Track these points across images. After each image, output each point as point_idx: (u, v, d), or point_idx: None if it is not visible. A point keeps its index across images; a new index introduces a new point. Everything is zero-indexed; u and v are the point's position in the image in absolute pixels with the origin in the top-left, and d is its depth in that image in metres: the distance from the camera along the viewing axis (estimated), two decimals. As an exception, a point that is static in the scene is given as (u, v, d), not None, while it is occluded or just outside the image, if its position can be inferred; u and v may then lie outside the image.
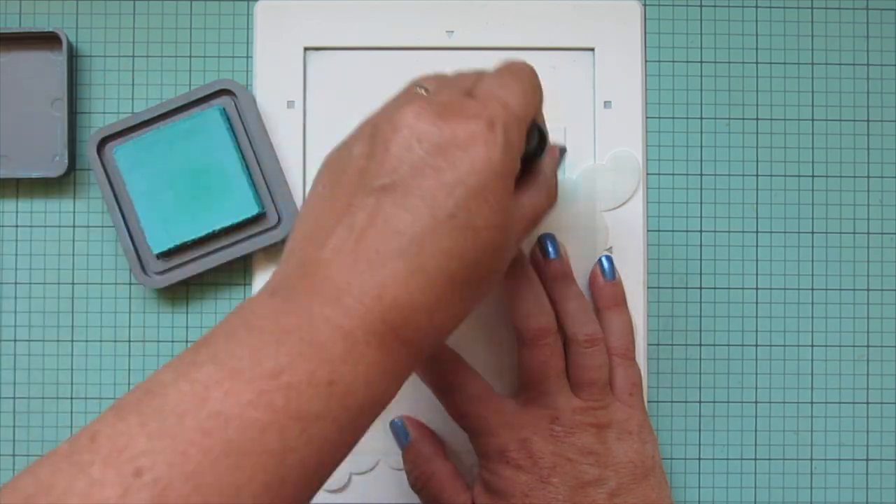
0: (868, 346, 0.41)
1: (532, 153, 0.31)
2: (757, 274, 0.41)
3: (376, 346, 0.25)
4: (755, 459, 0.40)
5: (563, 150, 0.35)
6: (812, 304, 0.41)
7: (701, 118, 0.41)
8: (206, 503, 0.22)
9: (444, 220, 0.26)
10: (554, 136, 0.40)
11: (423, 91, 0.30)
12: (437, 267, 0.26)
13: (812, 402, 0.41)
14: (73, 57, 0.40)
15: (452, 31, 0.40)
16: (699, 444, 0.40)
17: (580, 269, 0.39)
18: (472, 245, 0.27)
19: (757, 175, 0.41)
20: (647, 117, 0.41)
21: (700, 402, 0.41)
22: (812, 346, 0.41)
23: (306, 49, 0.40)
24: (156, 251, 0.39)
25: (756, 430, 0.41)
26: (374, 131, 0.28)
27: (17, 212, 0.41)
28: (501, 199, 0.27)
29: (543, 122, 0.32)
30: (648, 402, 0.39)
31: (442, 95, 0.29)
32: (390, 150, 0.27)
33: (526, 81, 0.30)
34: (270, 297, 0.26)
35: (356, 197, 0.27)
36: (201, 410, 0.23)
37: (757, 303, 0.41)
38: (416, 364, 0.28)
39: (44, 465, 0.22)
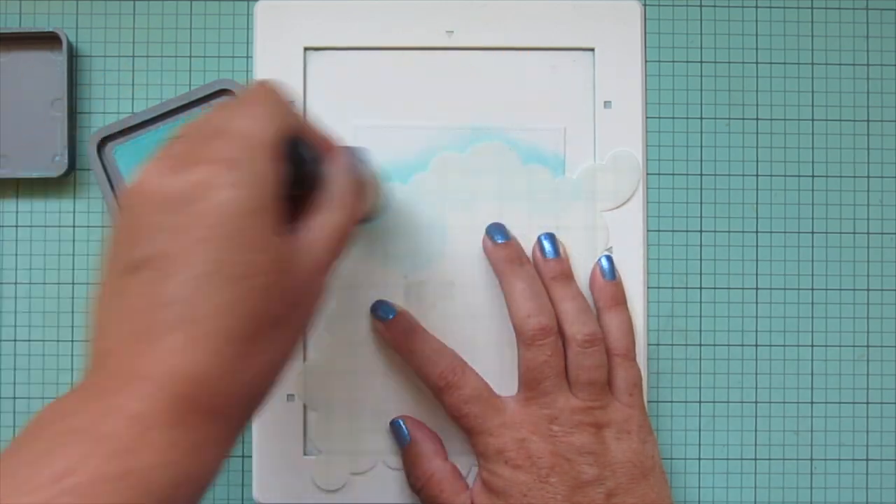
0: (868, 346, 0.41)
1: (306, 170, 0.28)
2: (757, 274, 0.41)
3: (174, 423, 0.24)
4: (755, 459, 0.40)
5: (357, 151, 0.31)
6: (812, 304, 0.41)
7: (701, 118, 0.41)
8: None
9: (207, 278, 0.24)
10: (553, 136, 0.40)
11: (174, 141, 0.27)
12: (216, 328, 0.24)
13: (812, 402, 0.41)
14: (73, 57, 0.40)
15: (452, 31, 0.40)
16: (699, 444, 0.40)
17: (580, 269, 0.39)
18: (246, 296, 0.25)
19: (757, 175, 0.41)
20: (647, 117, 0.41)
21: (700, 402, 0.41)
22: (812, 346, 0.41)
23: (306, 49, 0.40)
24: (156, 251, 0.39)
25: (756, 430, 0.40)
26: (124, 203, 0.26)
27: (17, 212, 0.41)
28: (261, 239, 0.25)
29: (310, 132, 0.30)
30: (648, 402, 0.39)
31: (184, 142, 0.27)
32: (138, 221, 0.26)
33: (265, 102, 0.28)
34: (69, 396, 0.25)
35: (122, 278, 0.26)
36: None
37: (757, 303, 0.41)
38: (238, 428, 0.26)
39: None
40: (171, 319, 0.24)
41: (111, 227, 0.27)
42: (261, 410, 0.27)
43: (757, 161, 0.41)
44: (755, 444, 0.40)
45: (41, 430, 0.24)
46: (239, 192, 0.25)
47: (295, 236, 0.28)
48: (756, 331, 0.41)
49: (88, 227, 0.41)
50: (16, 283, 0.40)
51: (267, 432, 0.39)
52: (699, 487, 0.40)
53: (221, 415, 0.25)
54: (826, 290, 0.41)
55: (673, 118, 0.41)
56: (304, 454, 0.39)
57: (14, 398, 0.40)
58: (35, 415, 0.24)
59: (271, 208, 0.26)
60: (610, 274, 0.39)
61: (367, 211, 0.35)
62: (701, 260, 0.41)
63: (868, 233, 0.41)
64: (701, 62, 0.41)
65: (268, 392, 0.27)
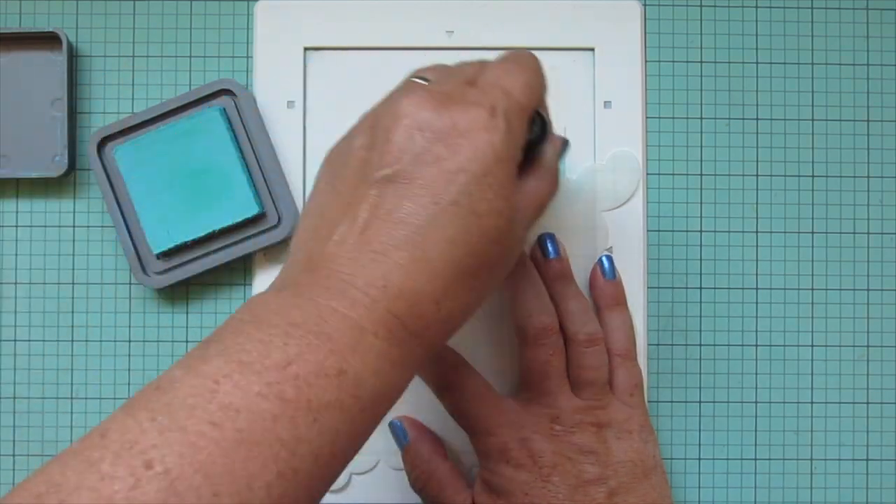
0: (868, 346, 0.41)
1: (534, 141, 0.31)
2: (757, 274, 0.41)
3: (384, 336, 0.25)
4: (755, 459, 0.40)
5: (565, 142, 0.35)
6: (812, 304, 0.41)
7: (701, 118, 0.41)
8: (217, 493, 0.22)
9: (446, 208, 0.26)
10: (555, 132, 0.40)
11: (423, 81, 0.30)
12: (441, 255, 0.26)
13: (812, 402, 0.41)
14: (73, 57, 0.40)
15: (452, 31, 0.40)
16: (699, 444, 0.40)
17: (580, 269, 0.39)
18: (477, 232, 0.26)
19: (757, 175, 0.41)
20: (647, 117, 0.41)
21: (700, 402, 0.41)
22: (812, 346, 0.41)
23: (306, 49, 0.40)
24: (156, 251, 0.39)
25: (756, 430, 0.41)
26: (375, 122, 0.28)
27: (17, 212, 0.41)
28: (504, 185, 0.27)
29: (547, 111, 0.32)
30: (648, 402, 0.39)
31: (443, 85, 0.29)
32: (391, 141, 0.27)
33: (529, 70, 0.30)
34: (278, 292, 0.26)
35: (358, 189, 0.27)
36: (211, 402, 0.23)
37: (757, 303, 0.41)
38: (426, 356, 0.28)
39: (54, 465, 0.22)
40: (401, 237, 0.26)
41: (347, 141, 0.29)
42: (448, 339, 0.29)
43: (757, 161, 0.41)
44: (755, 444, 0.40)
45: (258, 320, 0.25)
46: (497, 139, 0.27)
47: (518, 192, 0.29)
48: (756, 331, 0.41)
49: (88, 227, 0.41)
50: (16, 283, 0.40)
51: (267, 432, 0.39)
52: (699, 487, 0.40)
53: (423, 338, 0.27)
54: (826, 290, 0.41)
55: (673, 118, 0.41)
56: (305, 454, 0.39)
57: (14, 398, 0.40)
58: (243, 306, 0.26)
59: (515, 162, 0.28)
60: (610, 274, 0.39)
61: None
62: (701, 260, 0.41)
63: (868, 233, 0.41)
64: (701, 62, 0.41)
65: (459, 328, 0.28)
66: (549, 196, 0.31)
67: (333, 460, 0.25)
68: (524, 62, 0.30)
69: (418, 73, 0.31)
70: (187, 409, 0.23)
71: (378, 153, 0.27)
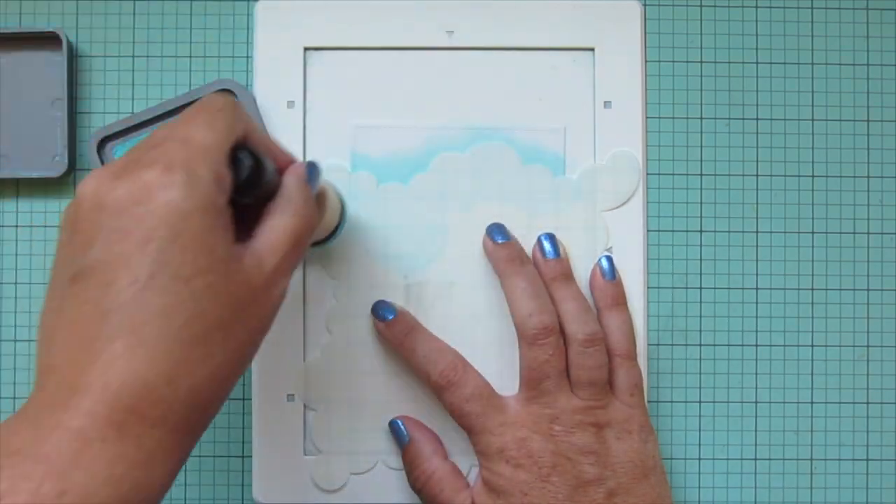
0: (868, 346, 0.41)
1: (252, 179, 0.28)
2: (757, 274, 0.41)
3: (115, 438, 0.23)
4: (755, 459, 0.40)
5: (312, 165, 0.31)
6: (812, 304, 0.41)
7: (701, 118, 0.41)
8: None
9: (147, 283, 0.24)
10: (553, 136, 0.40)
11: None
12: (156, 333, 0.24)
13: (812, 402, 0.41)
14: (73, 57, 0.40)
15: (452, 31, 0.40)
16: (699, 444, 0.40)
17: (580, 269, 0.39)
18: (187, 297, 0.25)
19: (757, 175, 0.41)
20: (647, 117, 0.41)
21: (700, 402, 0.41)
22: (812, 346, 0.41)
23: (306, 49, 0.40)
24: (156, 251, 0.39)
25: (756, 430, 0.41)
26: (66, 215, 0.26)
27: (17, 212, 0.41)
28: (203, 240, 0.25)
29: (264, 142, 0.30)
30: (648, 402, 0.39)
31: (127, 155, 0.27)
32: (79, 230, 0.25)
33: (211, 111, 0.28)
34: (11, 418, 0.24)
35: (64, 289, 0.25)
36: None
37: (757, 303, 0.41)
38: (188, 438, 0.26)
39: None
40: (111, 328, 0.24)
41: (58, 242, 0.27)
42: (211, 420, 0.27)
43: (757, 161, 0.41)
44: (755, 444, 0.40)
45: None
46: (176, 194, 0.25)
47: (244, 243, 0.27)
48: (756, 331, 0.41)
49: (88, 227, 0.40)
50: (16, 283, 0.40)
51: (267, 432, 0.39)
52: (699, 487, 0.40)
53: (169, 424, 0.24)
54: (826, 290, 0.41)
55: (673, 118, 0.41)
56: (304, 454, 0.39)
57: (14, 398, 0.40)
58: None
59: (213, 211, 0.26)
60: (610, 274, 0.39)
61: (326, 227, 0.35)
62: (701, 260, 0.41)
63: (868, 233, 0.41)
64: (701, 62, 0.41)
65: (218, 400, 0.27)
66: (300, 229, 0.29)
67: None
68: (208, 105, 0.28)
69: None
70: None
71: (73, 247, 0.25)
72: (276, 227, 0.28)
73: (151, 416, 0.24)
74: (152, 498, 0.24)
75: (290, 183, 0.29)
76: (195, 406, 0.25)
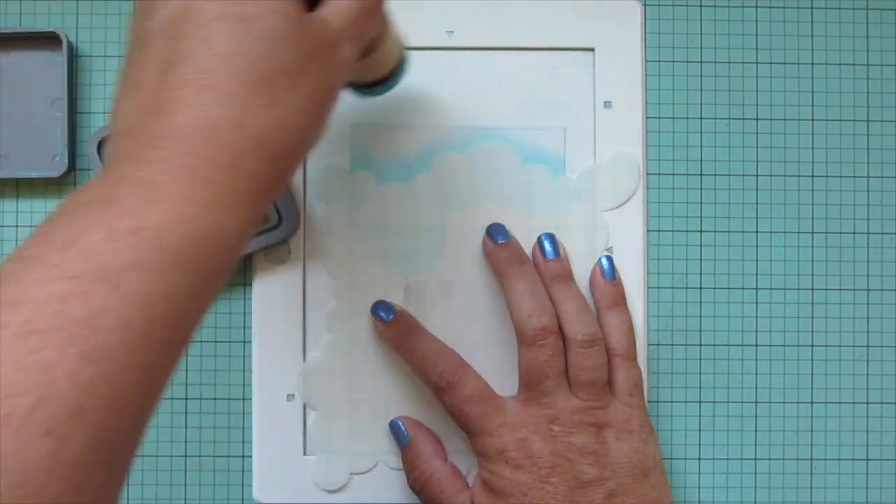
0: (868, 346, 0.41)
1: None
2: (757, 274, 0.41)
3: (185, 180, 0.23)
4: (755, 459, 0.40)
5: None
6: (812, 304, 0.41)
7: (701, 118, 0.41)
8: (11, 395, 0.20)
9: (213, 25, 0.24)
10: (553, 136, 0.40)
11: None
12: (222, 74, 0.24)
13: (812, 402, 0.41)
14: (73, 57, 0.40)
15: (452, 31, 0.40)
16: (699, 444, 0.40)
17: (580, 269, 0.39)
18: (252, 38, 0.25)
19: (757, 175, 0.41)
20: (647, 117, 0.41)
21: (700, 402, 0.41)
22: (812, 346, 0.41)
23: (306, 49, 0.40)
24: (156, 251, 0.39)
25: (756, 430, 0.41)
26: None
27: (17, 212, 0.41)
28: None
29: None
30: (648, 402, 0.39)
31: None
32: None
33: None
34: (87, 183, 0.25)
35: (136, 53, 0.26)
36: None
37: (757, 303, 0.41)
38: (261, 186, 0.25)
39: None
40: (178, 78, 0.24)
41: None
42: (284, 178, 0.27)
43: (757, 161, 0.41)
44: (755, 444, 0.40)
45: (50, 219, 0.23)
46: None
47: (318, 9, 0.27)
48: (756, 331, 0.41)
49: (88, 227, 0.40)
50: (16, 283, 0.40)
51: (267, 432, 0.39)
52: (699, 487, 0.40)
53: (238, 167, 0.24)
54: (826, 290, 0.41)
55: (673, 118, 0.41)
56: (304, 454, 0.39)
57: (14, 398, 0.40)
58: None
59: None
60: (610, 274, 0.39)
61: (383, 64, 0.34)
62: (701, 260, 0.41)
63: (868, 233, 0.41)
64: (701, 62, 0.41)
65: (289, 154, 0.26)
66: (368, 4, 0.28)
67: (153, 327, 0.22)
68: None
69: None
70: None
71: (145, 11, 0.26)
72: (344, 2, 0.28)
73: (220, 160, 0.24)
74: (226, 245, 0.24)
75: None
76: (264, 155, 0.25)
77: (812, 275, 0.41)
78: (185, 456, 0.40)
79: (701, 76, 0.41)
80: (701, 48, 0.41)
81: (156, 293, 0.22)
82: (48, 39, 0.40)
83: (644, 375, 0.38)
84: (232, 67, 0.24)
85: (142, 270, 0.22)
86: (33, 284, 0.21)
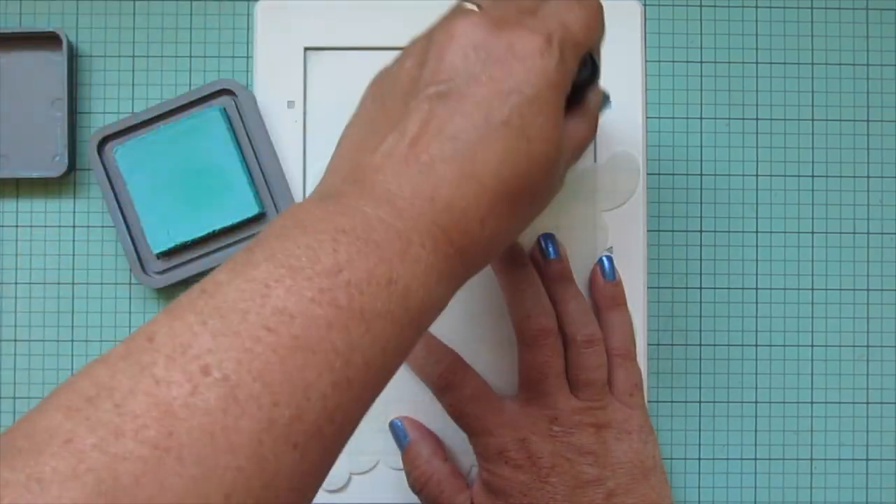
0: (868, 346, 0.41)
1: (582, 83, 0.31)
2: (757, 274, 0.41)
3: (430, 248, 0.25)
4: (755, 459, 0.40)
5: (606, 96, 0.34)
6: (812, 304, 0.41)
7: (701, 118, 0.41)
8: (277, 402, 0.21)
9: (498, 127, 0.26)
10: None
11: (475, 7, 0.29)
12: (489, 173, 0.26)
13: (812, 402, 0.41)
14: (73, 57, 0.40)
15: (452, 31, 0.40)
16: (699, 444, 0.40)
17: (580, 269, 0.39)
18: (526, 154, 0.26)
19: (757, 175, 0.41)
20: (647, 117, 0.41)
21: (700, 402, 0.41)
22: (812, 346, 0.41)
23: (306, 49, 0.40)
24: (156, 251, 0.39)
25: (756, 430, 0.41)
26: (428, 43, 0.28)
27: (17, 212, 0.41)
28: (555, 112, 0.27)
29: (599, 56, 0.32)
30: (648, 402, 0.39)
31: (499, 9, 0.28)
32: (445, 59, 0.27)
33: (590, 10, 0.30)
34: (320, 201, 0.26)
35: (409, 104, 0.27)
36: (264, 307, 0.22)
37: (757, 303, 0.41)
38: (466, 276, 0.27)
39: (100, 367, 0.21)
40: (450, 152, 0.26)
41: (396, 64, 0.29)
42: (475, 272, 0.28)
43: (757, 161, 0.41)
44: (755, 444, 0.40)
45: (302, 226, 0.24)
46: (551, 65, 0.27)
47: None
48: (756, 331, 0.41)
49: (88, 227, 0.41)
50: (16, 283, 0.40)
51: (267, 432, 0.39)
52: (699, 487, 0.40)
53: (467, 255, 0.26)
54: (826, 290, 0.41)
55: (673, 118, 0.41)
56: (304, 454, 0.39)
57: (14, 398, 0.40)
58: (284, 212, 0.25)
59: (564, 92, 0.28)
60: (610, 274, 0.39)
61: None
62: (701, 260, 0.41)
63: (868, 233, 0.41)
64: (701, 62, 0.41)
65: (497, 253, 0.28)
66: (587, 140, 0.31)
67: (383, 371, 0.24)
68: (586, 2, 0.30)
69: (467, 0, 0.30)
70: (239, 313, 0.22)
71: (430, 70, 0.27)
72: (576, 129, 0.30)
73: (459, 242, 0.26)
74: (436, 315, 0.26)
75: (594, 99, 0.32)
76: (488, 249, 0.27)
77: (812, 275, 0.41)
78: (185, 456, 0.40)
79: (701, 76, 0.41)
80: (701, 48, 0.41)
81: (392, 345, 0.24)
82: (48, 39, 0.40)
83: (644, 375, 0.38)
84: (498, 174, 0.26)
85: (390, 321, 0.24)
86: (305, 302, 0.22)
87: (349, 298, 0.23)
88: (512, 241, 0.29)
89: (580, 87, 0.31)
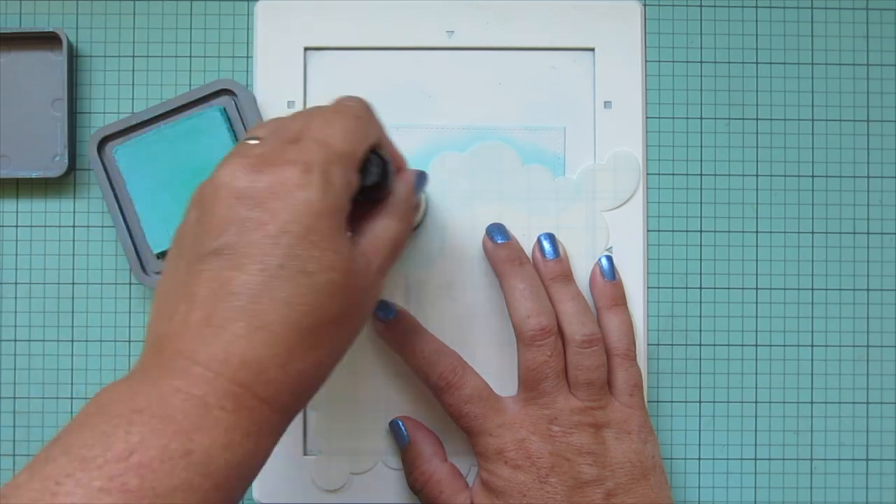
0: (868, 346, 0.41)
1: (377, 182, 0.31)
2: (757, 274, 0.41)
3: (231, 408, 0.25)
4: (755, 459, 0.40)
5: (421, 174, 0.34)
6: (812, 304, 0.41)
7: (701, 118, 0.41)
8: None
9: (275, 272, 0.26)
10: (553, 136, 0.40)
11: (254, 141, 0.29)
12: (277, 320, 0.26)
13: (812, 402, 0.41)
14: (73, 57, 0.40)
15: (452, 31, 0.40)
16: (699, 444, 0.40)
17: (580, 269, 0.39)
18: (310, 289, 0.27)
19: (757, 175, 0.41)
20: (647, 117, 0.41)
21: (700, 402, 0.41)
22: (812, 346, 0.41)
23: (306, 49, 0.40)
24: (156, 251, 0.39)
25: (756, 430, 0.41)
26: (200, 196, 0.28)
27: (17, 212, 0.41)
28: (330, 239, 0.27)
29: (388, 148, 0.32)
30: (648, 402, 0.39)
31: (264, 146, 0.29)
32: (214, 213, 0.27)
33: (349, 117, 0.30)
34: (128, 378, 0.26)
35: (192, 266, 0.27)
36: None
37: (757, 303, 0.41)
38: (285, 419, 0.27)
39: None
40: (236, 309, 0.26)
41: (184, 219, 0.29)
42: (305, 405, 0.29)
43: (757, 161, 0.41)
44: (755, 444, 0.40)
45: (102, 411, 0.25)
46: (313, 195, 0.27)
47: (357, 239, 0.29)
48: (756, 331, 0.41)
49: (88, 227, 0.41)
50: (16, 283, 0.40)
51: (267, 432, 0.39)
52: (699, 487, 0.40)
53: (277, 403, 0.26)
54: (826, 290, 0.41)
55: (673, 118, 0.41)
56: (304, 454, 0.39)
57: (14, 398, 0.40)
58: (93, 397, 0.26)
59: (340, 214, 0.28)
60: (610, 274, 0.39)
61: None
62: (701, 260, 0.41)
63: (868, 233, 0.41)
64: (701, 62, 0.41)
65: (316, 387, 0.29)
66: (402, 234, 0.31)
67: None
68: (345, 109, 0.30)
69: (251, 132, 0.30)
70: None
71: (204, 227, 0.27)
72: (385, 229, 0.31)
73: (263, 394, 0.26)
74: (256, 469, 0.26)
75: (401, 189, 0.32)
76: (299, 390, 0.27)
77: (812, 275, 0.41)
78: (185, 456, 0.40)
79: (701, 76, 0.41)
80: (701, 48, 0.41)
81: None
82: (48, 39, 0.40)
83: (644, 375, 0.38)
84: (287, 315, 0.26)
85: (188, 492, 0.24)
86: (93, 493, 0.23)
87: (140, 480, 0.23)
88: (332, 369, 0.29)
89: (377, 186, 0.31)
